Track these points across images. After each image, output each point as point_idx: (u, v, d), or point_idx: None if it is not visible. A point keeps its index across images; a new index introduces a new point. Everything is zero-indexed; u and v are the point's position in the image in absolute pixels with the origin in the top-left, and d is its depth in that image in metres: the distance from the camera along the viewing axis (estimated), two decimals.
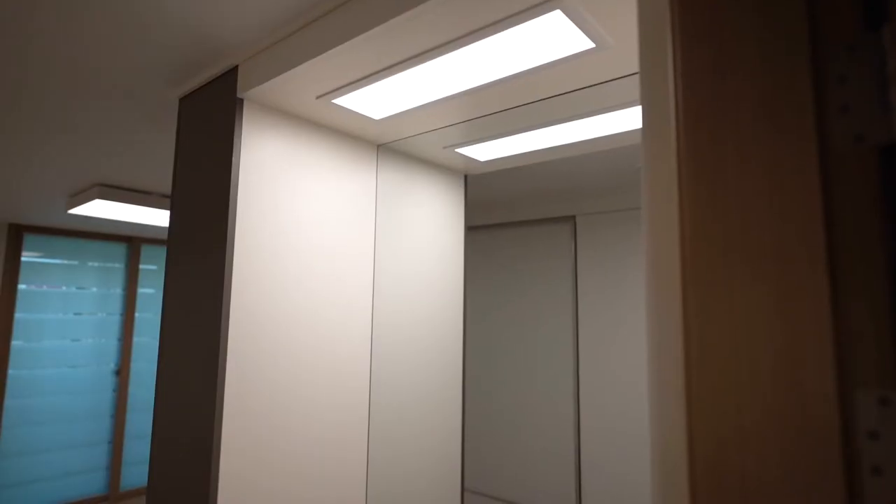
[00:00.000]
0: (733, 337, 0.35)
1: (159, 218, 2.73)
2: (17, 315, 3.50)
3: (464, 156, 1.42)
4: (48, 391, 3.57)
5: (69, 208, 2.51)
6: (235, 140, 1.06)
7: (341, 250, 1.26)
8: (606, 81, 0.97)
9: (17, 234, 3.50)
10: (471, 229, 1.17)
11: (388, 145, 1.40)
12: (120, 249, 4.00)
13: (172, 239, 1.23)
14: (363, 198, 1.35)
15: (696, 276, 0.38)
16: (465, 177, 1.50)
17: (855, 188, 0.30)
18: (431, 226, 1.29)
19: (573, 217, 1.14)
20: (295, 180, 1.17)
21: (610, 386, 0.92)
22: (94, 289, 3.84)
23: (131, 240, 4.04)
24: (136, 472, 3.96)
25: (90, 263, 3.83)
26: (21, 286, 3.53)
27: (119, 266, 3.97)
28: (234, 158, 1.06)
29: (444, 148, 1.38)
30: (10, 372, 3.44)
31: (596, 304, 0.95)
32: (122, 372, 3.91)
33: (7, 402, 3.41)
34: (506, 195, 1.15)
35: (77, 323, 3.74)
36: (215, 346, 1.01)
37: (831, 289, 0.32)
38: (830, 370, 0.31)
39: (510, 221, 1.14)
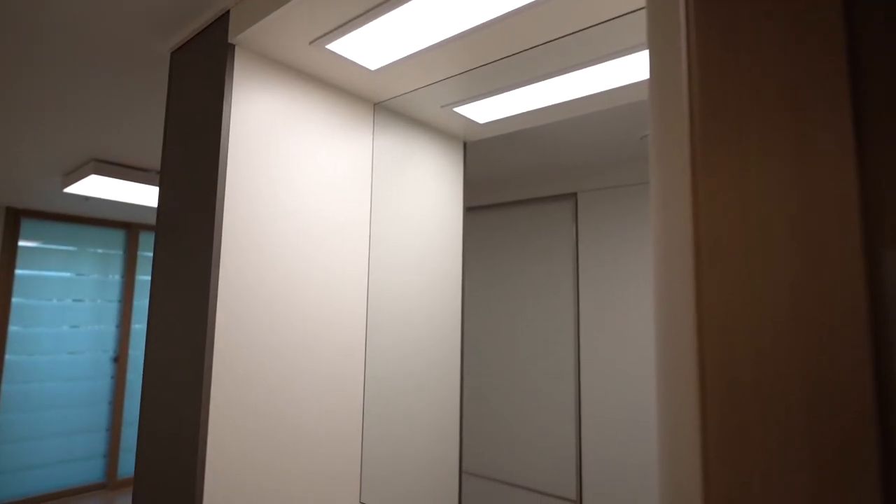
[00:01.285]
0: (746, 223, 0.31)
1: (156, 199, 2.70)
2: (15, 300, 3.47)
3: (463, 117, 1.38)
4: (46, 377, 3.55)
5: (65, 186, 2.48)
6: (226, 92, 1.03)
7: (336, 218, 1.23)
8: (612, 19, 0.93)
9: (15, 219, 3.48)
10: (468, 210, 1.13)
11: (385, 105, 1.37)
12: (119, 236, 3.97)
13: (161, 216, 1.20)
14: (359, 164, 1.31)
15: (707, 159, 0.34)
16: (465, 144, 1.47)
17: (882, 38, 0.26)
18: (429, 195, 1.26)
19: (574, 194, 1.09)
20: (288, 142, 1.13)
21: (612, 364, 0.88)
22: (93, 275, 3.81)
23: (130, 226, 4.01)
24: (134, 459, 3.93)
25: (89, 250, 3.80)
26: (18, 271, 3.51)
27: (118, 253, 3.95)
28: (224, 114, 1.02)
29: (443, 107, 1.35)
30: (8, 357, 3.42)
31: (598, 280, 0.91)
32: (120, 359, 3.88)
33: (4, 387, 3.38)
34: (504, 173, 1.11)
35: (75, 309, 3.71)
36: (203, 321, 0.97)
37: (856, 143, 0.28)
38: (856, 230, 0.27)
39: (509, 201, 1.10)
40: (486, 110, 1.32)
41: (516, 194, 1.10)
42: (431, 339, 1.20)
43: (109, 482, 3.78)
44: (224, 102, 1.02)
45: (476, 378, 1.07)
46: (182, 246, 1.09)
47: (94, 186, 2.41)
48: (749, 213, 0.30)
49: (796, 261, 0.29)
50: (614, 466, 0.84)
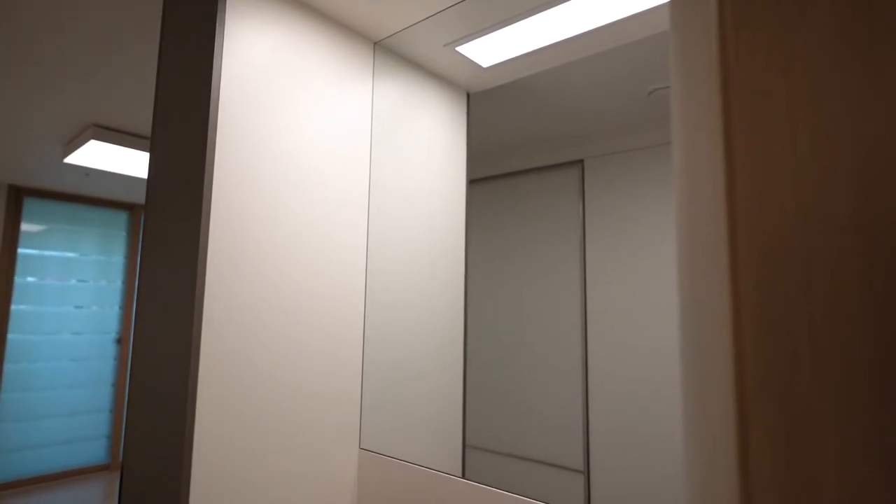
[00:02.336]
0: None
1: None
2: (18, 279, 3.46)
3: (466, 60, 1.34)
4: (50, 357, 3.54)
5: (66, 156, 2.46)
6: (217, 30, 0.98)
7: (334, 169, 1.19)
8: None
9: (17, 197, 3.46)
10: (471, 183, 1.09)
11: (385, 44, 1.33)
12: (121, 217, 3.96)
13: (151, 183, 1.15)
14: (359, 113, 1.27)
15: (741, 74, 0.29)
16: (468, 96, 1.42)
17: None
18: (432, 148, 1.21)
19: (581, 161, 1.05)
20: (284, 85, 1.09)
21: (619, 335, 0.84)
22: (96, 256, 3.80)
23: (133, 207, 4.00)
24: None
25: (91, 230, 3.79)
26: (21, 250, 3.50)
27: (120, 233, 3.93)
28: (216, 56, 0.97)
29: (445, 46, 1.30)
30: (10, 336, 3.41)
31: (606, 248, 0.87)
32: (123, 340, 3.87)
33: (7, 366, 3.37)
34: (508, 142, 1.07)
35: (78, 290, 3.70)
36: (193, 270, 0.93)
37: None
38: None
39: (513, 171, 1.05)
40: (489, 51, 1.27)
41: (520, 164, 1.06)
42: (433, 295, 1.15)
43: (112, 463, 3.77)
44: (216, 42, 0.98)
45: (481, 351, 1.03)
46: (172, 202, 1.05)
47: (94, 155, 2.39)
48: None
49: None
50: (622, 436, 0.80)
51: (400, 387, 1.14)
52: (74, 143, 2.35)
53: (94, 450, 3.71)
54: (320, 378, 1.10)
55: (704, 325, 0.30)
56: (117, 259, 3.90)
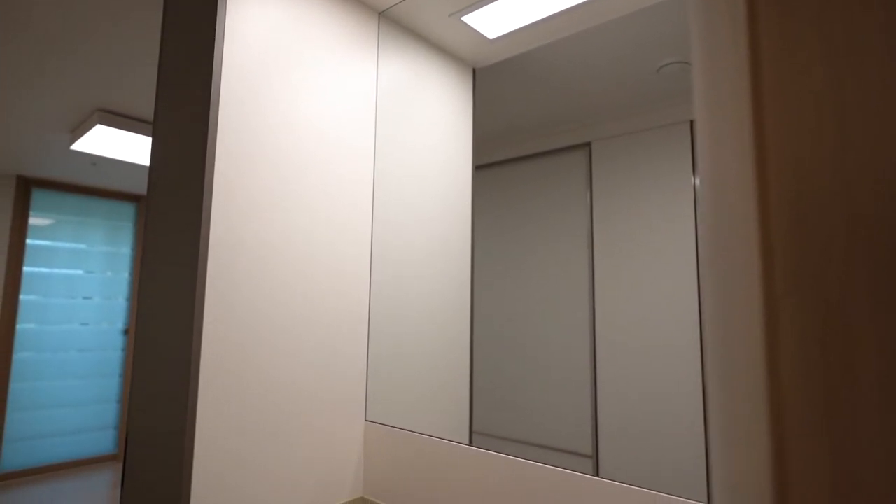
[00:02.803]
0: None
1: None
2: (26, 269, 3.48)
3: (472, 31, 1.32)
4: (57, 347, 3.56)
5: (72, 143, 2.46)
6: (220, 5, 0.96)
7: (338, 151, 1.17)
8: None
9: (26, 188, 3.48)
10: (478, 168, 1.07)
11: (389, 14, 1.31)
12: (128, 209, 3.97)
13: (153, 169, 1.13)
14: (363, 91, 1.26)
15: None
16: (474, 72, 1.41)
17: None
18: (438, 126, 1.19)
19: (588, 144, 1.03)
20: (287, 64, 1.07)
21: (628, 319, 0.82)
22: (103, 247, 3.81)
23: (139, 199, 4.01)
24: None
25: (99, 221, 3.81)
26: (30, 241, 3.52)
27: (127, 225, 3.95)
28: (218, 31, 0.96)
29: (451, 15, 1.29)
30: (19, 326, 3.43)
31: (613, 231, 0.85)
32: (130, 331, 3.89)
33: (16, 355, 3.40)
34: (515, 126, 1.05)
35: (86, 281, 3.72)
36: (194, 264, 0.92)
37: None
38: None
39: (519, 156, 1.04)
40: (495, 21, 1.25)
41: (527, 148, 1.04)
42: (439, 275, 1.14)
43: (120, 453, 3.78)
44: (217, 19, 0.96)
45: (487, 338, 1.01)
46: (173, 187, 1.04)
47: (101, 141, 2.39)
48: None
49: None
50: (631, 420, 0.79)
51: (406, 364, 1.12)
52: (81, 130, 2.35)
53: (101, 440, 3.73)
54: (326, 355, 1.09)
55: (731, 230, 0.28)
56: (124, 251, 3.92)
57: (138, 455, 1.03)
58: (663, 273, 0.79)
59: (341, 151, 1.17)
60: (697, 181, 0.32)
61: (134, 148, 2.54)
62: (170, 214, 1.03)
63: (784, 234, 0.26)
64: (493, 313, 1.01)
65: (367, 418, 1.15)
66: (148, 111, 2.24)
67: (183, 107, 1.03)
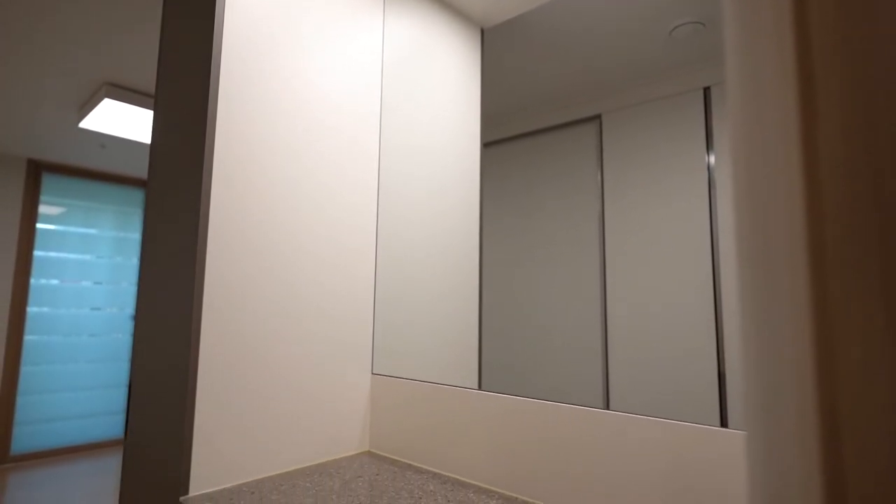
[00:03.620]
0: None
1: None
2: (37, 253, 3.50)
3: None
4: (68, 331, 3.58)
5: (80, 120, 2.46)
6: None
7: (343, 118, 1.14)
8: None
9: (36, 172, 3.50)
10: (485, 146, 1.05)
11: None
12: (137, 195, 3.98)
13: (155, 144, 1.12)
14: (369, 53, 1.23)
15: None
16: (482, 32, 1.37)
17: None
18: (446, 91, 1.15)
19: (598, 116, 1.00)
20: (290, 28, 1.05)
21: (640, 291, 0.79)
22: (112, 233, 3.83)
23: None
24: None
25: (108, 207, 3.82)
26: (40, 226, 3.54)
27: (136, 211, 3.96)
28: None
29: None
30: (30, 310, 3.45)
31: (625, 204, 0.83)
32: None
33: (27, 337, 3.42)
34: (522, 101, 1.02)
35: (96, 266, 3.73)
36: (195, 223, 0.90)
37: None
38: None
39: (528, 131, 1.01)
40: None
41: (535, 123, 1.01)
42: (448, 256, 1.11)
43: None
44: None
45: (497, 306, 0.98)
46: (175, 161, 1.02)
47: (109, 118, 2.39)
48: None
49: None
50: (642, 381, 0.77)
51: (413, 320, 1.10)
52: (89, 106, 2.35)
53: (111, 424, 3.74)
54: (331, 310, 1.07)
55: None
56: (133, 236, 3.93)
57: (139, 427, 1.01)
58: (676, 247, 0.76)
59: (346, 115, 1.15)
60: (731, 133, 0.29)
61: (141, 126, 2.53)
62: (171, 189, 1.01)
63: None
64: (502, 289, 0.98)
65: (374, 371, 1.13)
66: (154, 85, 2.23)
67: (184, 77, 1.01)
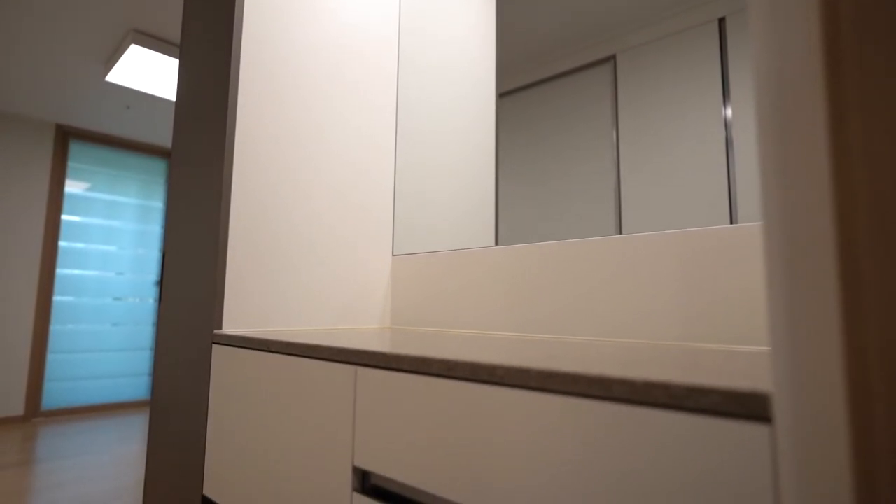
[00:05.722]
0: None
1: None
2: (64, 217, 3.61)
3: None
4: (95, 293, 3.68)
5: (107, 73, 2.54)
6: None
7: (361, 65, 1.17)
8: None
9: (64, 138, 3.61)
10: (500, 97, 1.06)
11: None
12: (160, 165, 4.08)
13: (180, 97, 1.15)
14: (385, 10, 1.25)
15: None
16: None
17: None
18: (460, 25, 1.17)
19: (613, 57, 1.01)
20: None
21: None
22: (135, 200, 3.93)
23: (170, 155, 4.12)
24: None
25: (132, 175, 3.93)
26: (68, 190, 3.65)
27: (159, 180, 4.06)
28: None
29: None
30: (59, 272, 3.56)
31: (640, 147, 0.83)
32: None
33: (56, 298, 3.53)
34: (535, 47, 1.02)
35: (121, 232, 3.84)
36: (217, 202, 0.94)
37: None
38: None
39: (541, 79, 1.02)
40: None
41: (550, 69, 1.01)
42: (466, 200, 1.13)
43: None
44: None
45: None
46: (200, 109, 1.06)
47: (135, 69, 2.46)
48: None
49: None
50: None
51: (434, 198, 1.12)
52: (115, 57, 2.42)
53: (135, 385, 3.85)
54: (353, 193, 1.10)
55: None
56: (157, 205, 4.03)
57: (173, 279, 1.05)
58: (697, 184, 0.76)
59: (366, 70, 1.18)
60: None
61: (166, 80, 2.60)
62: (197, 134, 1.05)
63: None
64: (516, 227, 0.99)
65: (395, 253, 1.16)
66: (179, 34, 2.29)
67: (208, 31, 1.05)
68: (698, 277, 0.71)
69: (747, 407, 0.30)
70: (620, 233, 0.83)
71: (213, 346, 0.85)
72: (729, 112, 0.73)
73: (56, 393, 3.50)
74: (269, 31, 0.98)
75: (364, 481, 0.56)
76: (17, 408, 3.31)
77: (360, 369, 0.56)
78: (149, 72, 2.50)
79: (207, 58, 1.03)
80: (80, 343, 3.61)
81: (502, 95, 1.08)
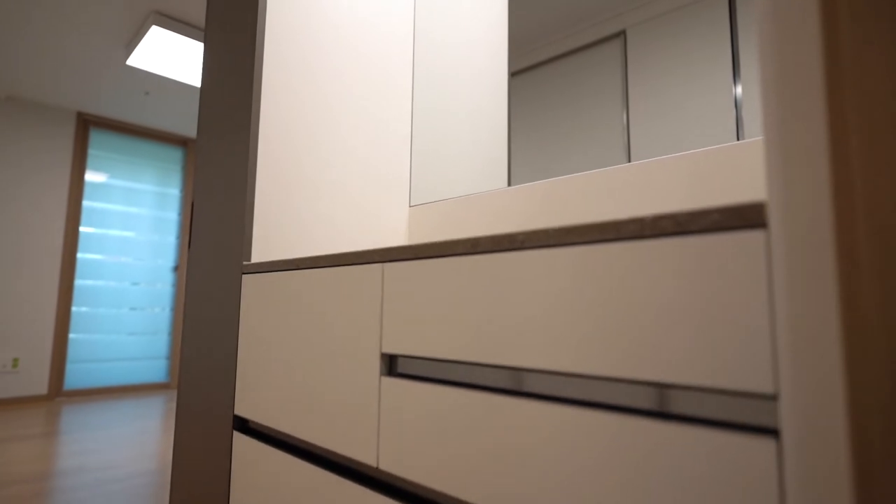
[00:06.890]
0: None
1: None
2: (85, 203, 3.71)
3: None
4: (113, 277, 3.78)
5: (127, 57, 2.62)
6: None
7: (379, 46, 1.21)
8: None
9: (85, 127, 3.71)
10: (513, 75, 1.08)
11: None
12: (177, 153, 4.17)
13: (205, 75, 1.20)
14: None
15: None
16: None
17: None
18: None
19: (623, 32, 1.03)
20: None
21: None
22: (153, 187, 4.02)
23: (186, 143, 4.20)
24: None
25: (149, 162, 4.02)
26: (88, 178, 3.74)
27: (176, 167, 4.15)
28: None
29: None
30: (80, 256, 3.66)
31: (651, 125, 0.85)
32: (180, 269, 4.08)
33: (77, 282, 3.62)
34: (545, 27, 1.04)
35: (138, 218, 3.93)
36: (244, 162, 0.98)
37: None
38: None
39: (550, 57, 1.04)
40: None
41: (558, 48, 1.03)
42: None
43: (171, 382, 3.98)
44: None
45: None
46: (226, 78, 1.11)
47: (156, 52, 2.53)
48: None
49: None
50: None
51: (448, 145, 1.16)
52: (136, 40, 2.49)
53: (154, 368, 3.94)
54: (370, 145, 1.15)
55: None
56: (173, 192, 4.12)
57: (203, 203, 1.10)
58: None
59: (387, 49, 1.22)
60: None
61: (185, 64, 2.67)
62: (222, 109, 1.10)
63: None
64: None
65: (412, 203, 1.20)
66: (203, 18, 2.36)
67: (231, 11, 1.10)
68: (704, 196, 0.75)
69: (745, 218, 0.34)
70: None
71: (243, 276, 0.90)
72: (739, 90, 0.75)
73: (77, 374, 3.60)
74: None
75: (391, 366, 0.61)
76: (42, 387, 3.41)
77: (387, 266, 0.60)
78: (169, 55, 2.57)
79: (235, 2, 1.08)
80: (101, 326, 3.70)
81: (514, 74, 1.11)
